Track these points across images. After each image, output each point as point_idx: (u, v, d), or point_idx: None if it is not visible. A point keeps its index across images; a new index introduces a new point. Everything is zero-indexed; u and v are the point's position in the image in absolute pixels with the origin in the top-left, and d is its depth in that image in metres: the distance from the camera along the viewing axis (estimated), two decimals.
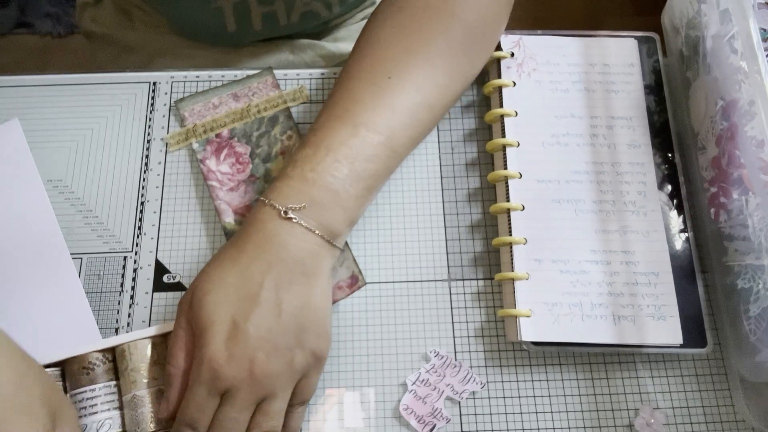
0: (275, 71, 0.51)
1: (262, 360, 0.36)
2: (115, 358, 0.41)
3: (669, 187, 0.46)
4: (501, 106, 0.48)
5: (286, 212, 0.38)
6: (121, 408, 0.40)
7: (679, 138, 0.48)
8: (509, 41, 0.49)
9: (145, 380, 0.39)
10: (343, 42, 0.64)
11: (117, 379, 0.40)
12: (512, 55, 0.49)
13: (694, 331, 0.42)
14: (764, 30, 0.43)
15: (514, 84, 0.48)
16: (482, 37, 0.46)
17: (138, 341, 0.40)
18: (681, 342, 0.42)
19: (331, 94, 0.43)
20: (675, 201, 0.46)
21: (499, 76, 0.48)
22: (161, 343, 0.41)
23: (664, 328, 0.42)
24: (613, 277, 0.43)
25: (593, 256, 0.44)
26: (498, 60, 0.49)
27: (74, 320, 0.43)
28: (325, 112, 0.42)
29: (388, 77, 0.42)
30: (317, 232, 0.39)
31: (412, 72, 0.42)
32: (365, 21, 0.65)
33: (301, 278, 0.39)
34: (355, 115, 0.41)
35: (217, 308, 0.37)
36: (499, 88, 0.48)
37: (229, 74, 0.51)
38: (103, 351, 0.40)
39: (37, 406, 0.33)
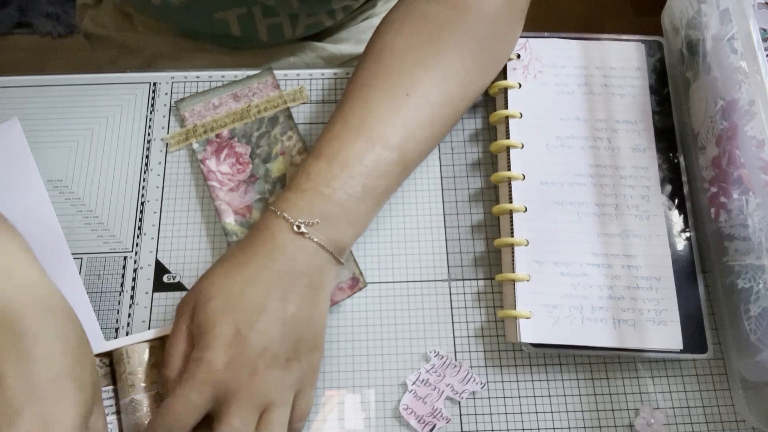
0: (275, 71, 0.51)
1: (262, 369, 0.36)
2: (112, 362, 0.41)
3: (671, 189, 0.46)
4: (506, 107, 0.47)
5: (298, 226, 0.38)
6: (118, 412, 0.40)
7: (680, 138, 0.48)
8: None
9: (143, 384, 0.39)
10: (344, 43, 0.64)
11: (114, 383, 0.40)
12: (518, 56, 0.49)
13: (694, 336, 0.42)
14: (764, 30, 0.43)
15: (520, 86, 0.48)
16: (495, 50, 0.46)
17: (136, 345, 0.40)
18: (681, 347, 0.42)
19: (345, 100, 0.43)
20: (677, 202, 0.46)
21: (505, 78, 0.48)
22: (159, 346, 0.41)
23: (665, 333, 0.42)
24: (614, 281, 0.43)
25: (595, 259, 0.44)
26: None
27: None
28: (339, 121, 0.42)
29: (406, 94, 0.41)
30: (327, 248, 0.39)
31: (428, 88, 0.42)
32: (365, 21, 0.65)
33: (307, 291, 0.39)
34: (371, 129, 0.41)
35: (220, 314, 0.37)
36: (505, 90, 0.48)
37: (229, 75, 0.51)
38: (100, 355, 0.40)
39: (86, 391, 0.34)
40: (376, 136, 0.40)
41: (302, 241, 0.38)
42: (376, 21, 0.65)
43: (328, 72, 0.52)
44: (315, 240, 0.39)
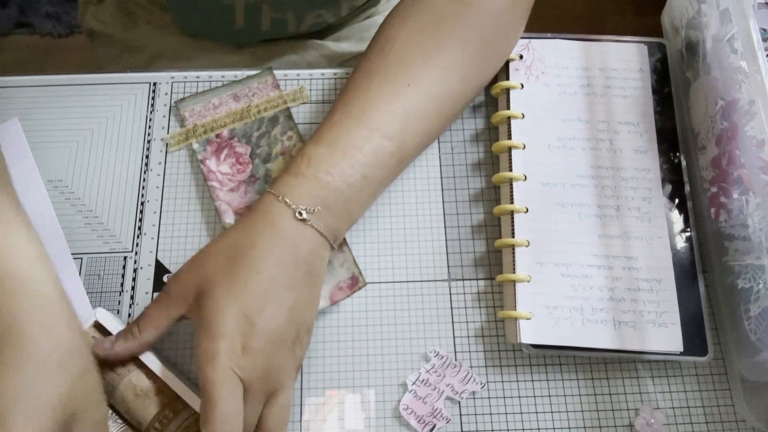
0: (275, 71, 0.51)
1: (274, 354, 0.37)
2: None
3: (673, 189, 0.46)
4: (508, 107, 0.47)
5: (300, 213, 0.39)
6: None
7: (681, 139, 0.48)
8: (518, 44, 0.49)
9: None
10: (345, 42, 0.64)
11: None
12: (521, 57, 0.49)
13: (695, 338, 0.42)
14: (764, 30, 0.43)
15: (522, 86, 0.48)
16: (496, 47, 0.46)
17: None
18: (681, 350, 0.42)
19: (346, 89, 0.43)
20: (678, 203, 0.46)
21: (508, 78, 0.48)
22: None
23: (665, 335, 0.42)
24: (615, 283, 0.43)
25: (596, 261, 0.44)
26: (507, 62, 0.48)
27: None
28: (340, 108, 0.42)
29: (408, 84, 0.42)
30: (326, 235, 0.40)
31: (429, 80, 0.42)
32: (368, 20, 0.65)
33: (306, 278, 0.39)
34: (371, 118, 0.41)
35: (226, 300, 0.37)
36: (507, 90, 0.48)
37: (230, 75, 0.51)
38: None
39: (49, 409, 0.32)
40: (375, 125, 0.41)
41: (303, 228, 0.39)
42: (378, 19, 0.65)
43: (328, 72, 0.52)
44: (315, 227, 0.39)
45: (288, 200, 0.39)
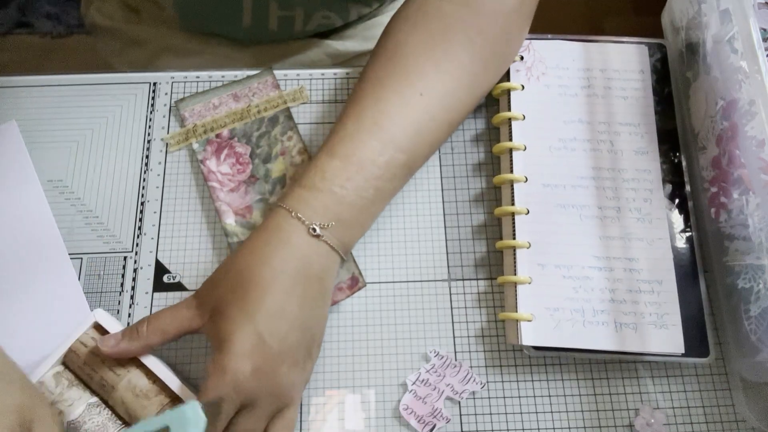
0: (275, 71, 0.51)
1: (285, 373, 0.37)
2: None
3: (673, 190, 0.46)
4: (509, 109, 0.47)
5: (314, 229, 0.38)
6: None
7: (681, 139, 0.48)
8: None
9: (77, 399, 0.39)
10: (349, 40, 0.64)
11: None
12: (522, 58, 0.49)
13: (696, 340, 0.42)
14: (764, 30, 0.43)
15: (523, 87, 0.48)
16: (503, 51, 0.46)
17: (46, 375, 0.39)
18: (682, 351, 0.42)
19: (357, 96, 0.43)
20: (678, 203, 0.46)
21: (508, 79, 0.48)
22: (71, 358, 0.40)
23: (666, 337, 0.42)
24: (616, 284, 0.43)
25: (597, 262, 0.44)
26: None
27: (72, 321, 0.43)
28: (352, 118, 0.42)
29: (420, 94, 0.42)
30: (338, 249, 0.40)
31: (439, 89, 0.42)
32: (372, 19, 0.65)
33: (319, 294, 0.39)
34: (384, 130, 0.41)
35: (240, 320, 0.37)
36: (508, 91, 0.48)
37: (229, 74, 0.51)
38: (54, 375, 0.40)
39: (11, 412, 0.31)
40: (389, 137, 0.41)
41: (317, 245, 0.39)
42: (382, 19, 0.65)
43: (329, 72, 0.52)
44: (329, 243, 0.39)
45: (301, 216, 0.39)
